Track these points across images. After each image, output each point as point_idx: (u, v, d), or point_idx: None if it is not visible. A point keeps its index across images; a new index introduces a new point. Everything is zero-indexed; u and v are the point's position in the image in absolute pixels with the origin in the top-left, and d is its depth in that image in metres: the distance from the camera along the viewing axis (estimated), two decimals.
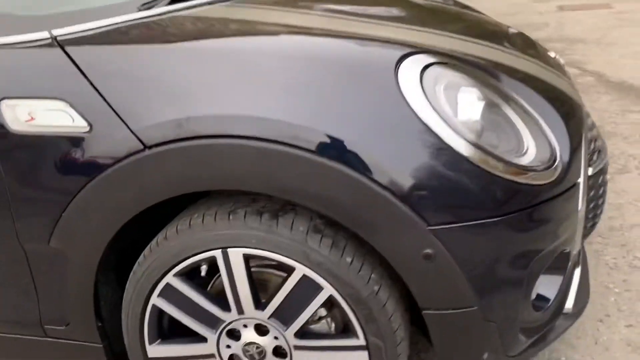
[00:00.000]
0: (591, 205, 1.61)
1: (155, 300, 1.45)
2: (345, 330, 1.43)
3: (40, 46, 1.38)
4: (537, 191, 1.32)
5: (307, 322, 1.40)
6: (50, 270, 1.49)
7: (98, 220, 1.39)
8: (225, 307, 1.42)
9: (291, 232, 1.32)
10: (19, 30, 1.42)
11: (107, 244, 1.41)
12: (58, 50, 1.36)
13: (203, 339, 1.47)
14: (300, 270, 1.33)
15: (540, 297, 1.51)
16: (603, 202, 1.70)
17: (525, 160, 1.33)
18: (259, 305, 1.40)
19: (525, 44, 1.87)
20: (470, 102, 1.34)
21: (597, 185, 1.63)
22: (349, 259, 1.32)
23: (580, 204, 1.48)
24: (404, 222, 1.25)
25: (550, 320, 1.52)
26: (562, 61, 1.91)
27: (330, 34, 1.50)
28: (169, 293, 1.43)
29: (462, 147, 1.25)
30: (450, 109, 1.29)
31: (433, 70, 1.34)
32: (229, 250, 1.35)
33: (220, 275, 1.47)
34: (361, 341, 1.37)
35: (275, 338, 1.43)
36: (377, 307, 1.34)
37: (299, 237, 1.32)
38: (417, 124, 1.25)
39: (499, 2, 7.54)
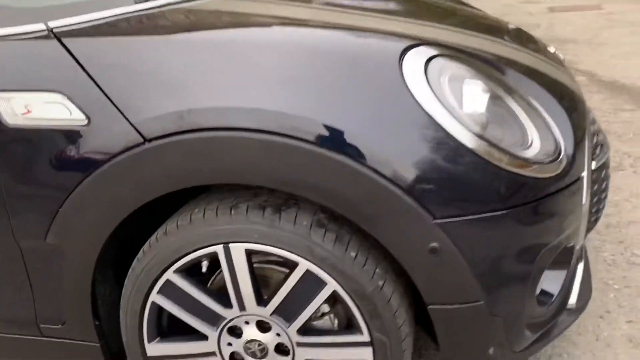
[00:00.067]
0: (594, 200, 1.60)
1: (154, 297, 1.42)
2: (348, 326, 1.41)
3: (36, 38, 1.35)
4: (542, 184, 1.31)
5: (310, 319, 1.38)
6: (47, 268, 1.46)
7: (96, 215, 1.36)
8: (227, 304, 1.39)
9: (294, 226, 1.30)
10: (14, 22, 1.38)
11: (106, 240, 1.38)
12: (55, 42, 1.33)
13: (203, 337, 1.44)
14: (304, 265, 1.31)
15: (543, 293, 1.49)
16: (605, 197, 1.69)
17: (530, 153, 1.32)
18: (261, 301, 1.38)
19: (525, 39, 1.86)
20: (475, 94, 1.32)
21: (600, 179, 1.62)
22: (353, 254, 1.30)
23: (585, 198, 1.47)
24: (410, 215, 1.23)
25: (555, 315, 1.51)
26: (561, 56, 1.90)
27: (332, 26, 1.48)
28: (169, 290, 1.40)
29: (468, 140, 1.24)
30: (455, 101, 1.28)
31: (437, 62, 1.32)
32: (230, 245, 1.33)
33: (220, 272, 1.44)
34: (365, 337, 1.35)
35: (278, 335, 1.40)
36: (381, 303, 1.32)
37: (303, 232, 1.29)
38: (422, 116, 1.23)
39: (489, 3, 7.57)
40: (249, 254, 1.33)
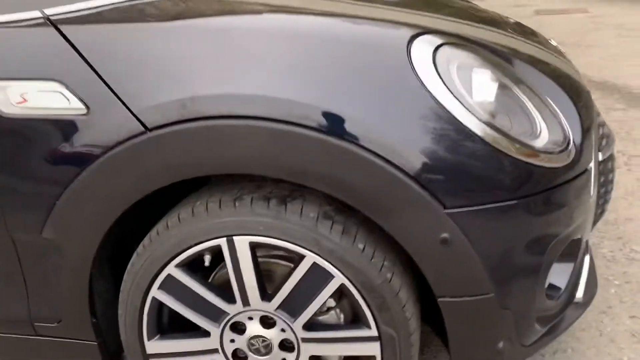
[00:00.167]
0: (601, 192, 1.58)
1: (155, 292, 1.37)
2: (354, 321, 1.38)
3: (32, 25, 1.31)
4: (553, 174, 1.29)
5: (315, 314, 1.34)
6: (42, 263, 1.41)
7: (95, 208, 1.31)
8: (230, 299, 1.35)
9: (301, 218, 1.26)
10: (9, 9, 1.34)
11: (104, 234, 1.34)
12: (51, 30, 1.29)
13: (206, 333, 1.40)
14: (310, 258, 1.27)
15: (551, 286, 1.47)
16: (612, 189, 1.68)
17: (539, 143, 1.29)
18: (265, 296, 1.34)
19: (527, 31, 1.85)
20: (484, 83, 1.30)
21: (606, 171, 1.60)
22: (361, 246, 1.27)
23: (592, 190, 1.45)
24: (420, 205, 1.20)
25: (563, 309, 1.49)
26: (562, 49, 1.88)
27: (336, 14, 1.45)
28: (170, 285, 1.36)
29: (478, 128, 1.21)
30: (465, 90, 1.25)
31: (445, 51, 1.30)
32: (234, 238, 1.29)
33: (221, 267, 1.41)
34: (373, 332, 1.31)
35: (282, 331, 1.36)
36: (390, 295, 1.28)
37: (309, 224, 1.26)
38: (432, 104, 1.21)
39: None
40: (254, 247, 1.30)
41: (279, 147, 1.20)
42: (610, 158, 1.62)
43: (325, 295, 1.30)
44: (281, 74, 1.22)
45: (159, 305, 1.40)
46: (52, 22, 1.30)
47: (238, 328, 1.39)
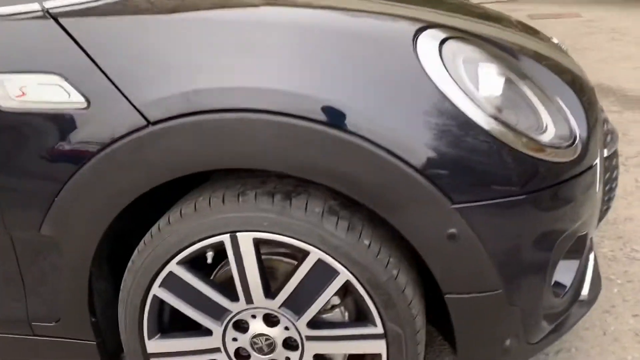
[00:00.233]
0: (606, 188, 1.57)
1: (156, 290, 1.35)
2: (360, 318, 1.36)
3: (31, 18, 1.28)
4: (560, 169, 1.27)
5: (320, 311, 1.32)
6: (40, 261, 1.38)
7: (95, 204, 1.29)
8: (233, 297, 1.33)
9: (305, 213, 1.24)
10: (8, 2, 1.31)
11: (104, 231, 1.31)
12: (51, 23, 1.26)
13: (207, 332, 1.37)
14: (315, 254, 1.25)
15: (556, 284, 1.45)
16: (616, 186, 1.67)
17: (546, 138, 1.28)
18: (269, 293, 1.31)
19: (530, 29, 1.84)
20: (490, 77, 1.29)
21: (611, 168, 1.59)
22: (366, 242, 1.25)
23: (598, 186, 1.43)
24: (427, 200, 1.18)
25: (569, 306, 1.47)
26: (565, 47, 1.88)
27: (339, 8, 1.43)
28: (172, 283, 1.33)
29: (486, 122, 1.20)
30: (472, 84, 1.24)
31: (451, 44, 1.28)
32: (238, 234, 1.26)
33: (224, 264, 1.39)
34: (379, 329, 1.29)
35: (286, 329, 1.34)
36: (396, 292, 1.26)
37: (314, 219, 1.24)
38: (440, 98, 1.19)
39: None
40: (257, 243, 1.27)
41: (285, 141, 1.18)
42: (615, 154, 1.61)
43: (330, 293, 1.28)
44: (287, 67, 1.20)
45: (160, 304, 1.37)
46: (51, 15, 1.27)
47: (241, 326, 1.37)
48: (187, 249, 1.30)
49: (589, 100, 1.50)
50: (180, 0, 1.39)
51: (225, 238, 1.27)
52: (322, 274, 1.26)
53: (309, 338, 1.33)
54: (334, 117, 1.16)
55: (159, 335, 1.40)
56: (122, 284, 1.38)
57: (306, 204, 1.25)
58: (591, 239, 1.58)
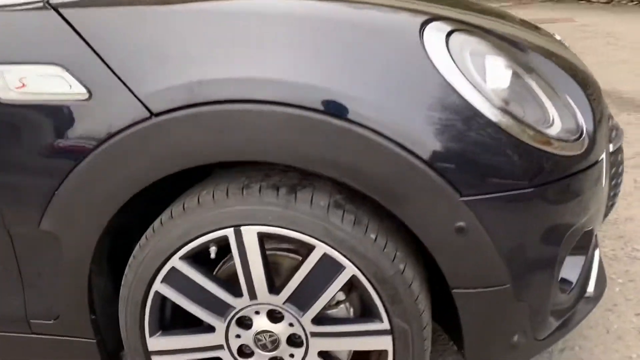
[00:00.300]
0: (612, 183, 1.56)
1: (158, 286, 1.32)
2: (365, 314, 1.34)
3: (31, 9, 1.26)
4: (568, 162, 1.26)
5: (324, 307, 1.30)
6: (39, 257, 1.36)
7: (96, 198, 1.26)
8: (236, 293, 1.30)
9: (311, 207, 1.22)
10: None
11: (105, 226, 1.29)
12: (52, 13, 1.24)
13: (210, 329, 1.35)
14: (321, 248, 1.23)
15: (562, 280, 1.44)
16: (621, 182, 1.66)
17: (553, 131, 1.27)
18: (273, 289, 1.29)
19: (532, 25, 1.83)
20: (497, 70, 1.27)
21: (617, 163, 1.58)
22: (373, 236, 1.23)
23: (604, 181, 1.42)
24: (436, 192, 1.17)
25: (575, 302, 1.46)
26: (567, 44, 1.87)
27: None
28: (174, 278, 1.31)
29: (494, 115, 1.18)
30: (479, 76, 1.22)
31: (458, 37, 1.27)
32: (242, 228, 1.24)
33: (227, 260, 1.37)
34: (385, 325, 1.27)
35: (290, 325, 1.32)
36: (403, 287, 1.24)
37: (320, 213, 1.22)
38: (447, 90, 1.17)
39: None
40: (262, 237, 1.25)
41: (291, 132, 1.16)
42: (620, 150, 1.60)
43: (335, 288, 1.26)
44: (293, 58, 1.18)
45: (161, 300, 1.35)
46: (52, 6, 1.25)
47: (244, 323, 1.34)
48: (190, 244, 1.27)
49: (594, 95, 1.49)
50: None
51: (229, 232, 1.25)
52: (327, 269, 1.24)
53: (313, 334, 1.31)
54: (341, 109, 1.15)
55: (160, 332, 1.38)
56: (123, 280, 1.35)
57: (311, 197, 1.23)
58: (596, 235, 1.57)
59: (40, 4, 1.26)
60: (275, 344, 1.34)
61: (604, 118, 1.47)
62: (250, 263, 1.27)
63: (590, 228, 1.41)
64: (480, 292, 1.24)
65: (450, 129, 1.17)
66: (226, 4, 1.29)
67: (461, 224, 1.18)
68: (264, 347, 1.34)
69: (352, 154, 1.16)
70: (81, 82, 1.21)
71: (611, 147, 1.52)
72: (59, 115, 1.23)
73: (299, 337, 1.33)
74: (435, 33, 1.24)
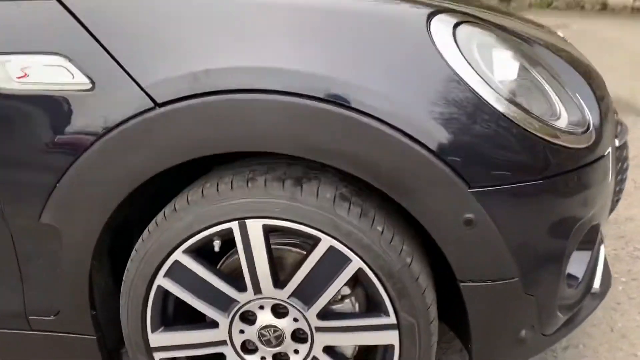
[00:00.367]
0: (618, 178, 1.55)
1: (160, 280, 1.30)
2: (370, 309, 1.32)
3: None
4: (576, 155, 1.25)
5: (329, 302, 1.28)
6: (40, 251, 1.33)
7: (99, 190, 1.25)
8: (240, 287, 1.28)
9: (317, 199, 1.21)
10: None
11: (108, 219, 1.27)
12: (53, 2, 1.22)
13: (213, 324, 1.33)
14: (327, 241, 1.21)
15: (568, 275, 1.42)
16: (626, 178, 1.65)
17: (561, 124, 1.26)
18: (278, 283, 1.27)
19: (535, 22, 1.82)
20: (505, 62, 1.26)
21: (622, 158, 1.57)
22: (379, 228, 1.21)
23: (611, 175, 1.41)
24: (444, 183, 1.16)
25: (581, 298, 1.44)
26: (569, 41, 1.86)
27: None
28: (177, 272, 1.29)
29: (502, 106, 1.17)
30: (487, 68, 1.21)
31: (465, 29, 1.26)
32: (247, 221, 1.22)
33: (230, 254, 1.35)
34: (392, 319, 1.25)
35: (295, 320, 1.30)
36: (410, 281, 1.23)
37: (326, 205, 1.20)
38: (456, 81, 1.16)
39: None
40: (267, 231, 1.23)
41: (298, 123, 1.15)
42: (625, 145, 1.59)
43: (341, 281, 1.24)
44: (300, 47, 1.17)
45: (164, 295, 1.32)
46: None
47: (248, 318, 1.32)
48: (193, 237, 1.25)
49: (600, 89, 1.49)
50: None
51: (234, 225, 1.23)
52: (333, 262, 1.23)
53: (318, 329, 1.29)
54: (349, 99, 1.13)
55: (162, 328, 1.36)
56: (124, 275, 1.33)
57: (317, 189, 1.22)
58: (601, 231, 1.56)
59: None
60: (280, 339, 1.31)
61: (610, 112, 1.47)
62: (255, 256, 1.25)
63: (597, 222, 1.40)
64: (488, 286, 1.23)
65: (459, 120, 1.15)
66: None
67: (469, 216, 1.17)
68: (268, 343, 1.32)
69: (359, 145, 1.14)
70: (84, 72, 1.19)
71: (617, 142, 1.51)
72: (61, 106, 1.21)
73: (304, 332, 1.31)
74: (442, 25, 1.23)
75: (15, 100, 1.23)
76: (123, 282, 1.34)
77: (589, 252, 1.46)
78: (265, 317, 1.31)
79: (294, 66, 1.14)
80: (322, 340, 1.30)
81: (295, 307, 1.28)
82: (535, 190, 1.20)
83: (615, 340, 1.76)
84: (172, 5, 1.22)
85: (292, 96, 1.13)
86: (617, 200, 1.63)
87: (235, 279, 1.30)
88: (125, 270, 1.33)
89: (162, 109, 1.17)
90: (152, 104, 1.17)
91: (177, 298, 1.32)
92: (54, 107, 1.22)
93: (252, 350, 1.35)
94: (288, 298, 1.27)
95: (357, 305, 1.33)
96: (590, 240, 1.43)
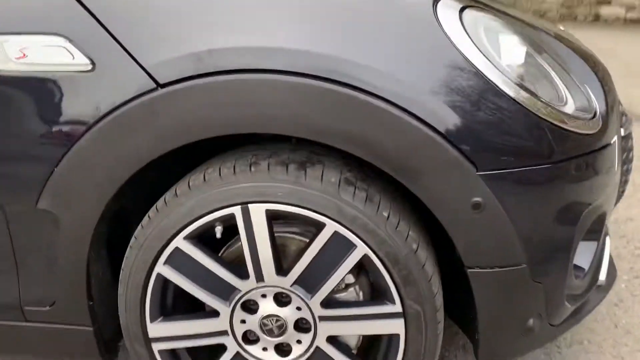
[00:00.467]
0: (623, 168, 1.54)
1: (160, 268, 1.27)
2: (375, 298, 1.29)
3: None
4: (584, 141, 1.24)
5: (333, 291, 1.25)
6: (36, 238, 1.30)
7: (98, 174, 1.22)
8: (243, 274, 1.25)
9: (322, 183, 1.18)
10: None
11: (106, 204, 1.24)
12: None
13: (214, 314, 1.29)
14: (331, 226, 1.18)
15: (575, 266, 1.40)
16: (631, 169, 1.63)
17: (568, 109, 1.24)
18: (281, 270, 1.24)
19: (535, 15, 1.81)
20: (512, 47, 1.25)
21: (627, 148, 1.56)
22: (385, 214, 1.19)
23: (617, 164, 1.40)
24: (452, 166, 1.13)
25: (588, 289, 1.42)
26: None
27: None
28: (177, 259, 1.26)
29: (511, 89, 1.16)
30: (494, 51, 1.20)
31: (471, 13, 1.24)
32: (250, 206, 1.20)
33: (232, 243, 1.32)
34: (397, 307, 1.23)
35: (298, 309, 1.27)
36: (416, 268, 1.20)
37: (331, 189, 1.18)
38: (465, 65, 1.14)
39: None
40: (270, 216, 1.21)
41: (304, 103, 1.12)
42: (630, 135, 1.58)
43: (346, 268, 1.21)
44: (307, 26, 1.15)
45: (163, 283, 1.29)
46: None
47: (249, 308, 1.29)
48: (195, 223, 1.23)
49: (605, 78, 1.47)
50: None
51: (236, 210, 1.20)
52: (338, 248, 1.20)
53: (322, 318, 1.26)
54: (356, 80, 1.11)
55: (161, 318, 1.32)
56: (123, 262, 1.30)
57: (322, 173, 1.19)
58: (606, 224, 1.54)
59: None
60: (282, 329, 1.28)
61: (616, 102, 1.45)
62: (257, 242, 1.22)
63: (604, 211, 1.38)
64: (495, 272, 1.20)
65: (467, 103, 1.13)
66: None
67: (478, 199, 1.15)
68: (270, 333, 1.29)
69: (367, 127, 1.12)
70: (84, 53, 1.17)
71: (622, 132, 1.50)
72: (61, 87, 1.19)
73: (307, 322, 1.28)
74: (448, 9, 1.22)
75: (13, 81, 1.20)
76: (122, 270, 1.30)
77: (595, 242, 1.44)
78: (267, 306, 1.28)
79: (300, 46, 1.12)
80: (326, 329, 1.27)
81: (299, 296, 1.25)
82: (544, 175, 1.18)
83: (620, 336, 1.74)
84: None
85: (298, 76, 1.11)
86: (623, 192, 1.62)
87: (237, 267, 1.27)
88: (124, 258, 1.30)
89: (165, 90, 1.15)
90: (154, 85, 1.15)
91: (176, 287, 1.29)
92: (53, 88, 1.19)
93: (254, 341, 1.32)
94: (291, 286, 1.24)
95: (361, 294, 1.31)
96: (597, 230, 1.41)
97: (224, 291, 1.27)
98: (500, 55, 1.20)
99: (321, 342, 1.28)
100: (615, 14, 8.84)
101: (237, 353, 1.33)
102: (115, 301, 1.35)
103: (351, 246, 1.19)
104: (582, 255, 1.41)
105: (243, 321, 1.29)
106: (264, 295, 1.27)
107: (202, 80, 1.13)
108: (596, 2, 9.01)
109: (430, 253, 1.25)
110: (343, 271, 1.22)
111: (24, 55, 1.19)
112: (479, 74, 1.14)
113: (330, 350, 1.29)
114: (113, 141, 1.19)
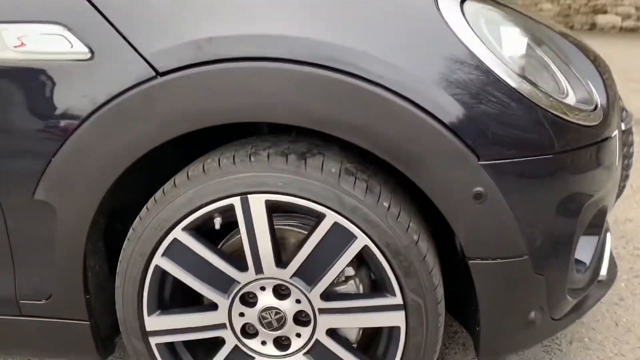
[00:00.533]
0: (624, 163, 1.53)
1: (158, 260, 1.25)
2: (377, 289, 1.28)
3: None
4: (586, 132, 1.23)
5: (333, 283, 1.24)
6: (32, 231, 1.28)
7: (97, 164, 1.20)
8: (242, 267, 1.24)
9: (322, 173, 1.17)
10: None
11: (104, 195, 1.23)
12: None
13: (212, 307, 1.28)
14: (331, 217, 1.17)
15: (576, 261, 1.39)
16: (632, 163, 1.63)
17: (570, 101, 1.24)
18: (280, 262, 1.23)
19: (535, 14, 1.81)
20: (513, 38, 1.25)
21: (628, 143, 1.55)
22: (385, 204, 1.18)
23: (618, 158, 1.39)
24: (454, 156, 1.13)
25: (589, 283, 1.41)
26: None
27: None
28: (176, 251, 1.24)
29: (513, 80, 1.15)
30: (496, 43, 1.19)
31: (472, 4, 1.24)
32: (249, 196, 1.18)
33: (231, 236, 1.31)
34: (398, 299, 1.21)
35: (298, 302, 1.25)
36: (417, 259, 1.19)
37: (331, 180, 1.17)
38: (467, 55, 1.14)
39: None
40: (269, 207, 1.19)
41: (305, 92, 1.12)
42: (630, 130, 1.57)
43: (346, 259, 1.20)
44: (308, 14, 1.14)
45: (161, 276, 1.28)
46: None
47: (248, 300, 1.28)
48: (194, 213, 1.21)
49: (606, 72, 1.47)
50: None
51: (236, 201, 1.19)
52: (338, 239, 1.19)
53: (322, 311, 1.25)
54: (358, 68, 1.10)
55: (159, 311, 1.31)
56: (121, 254, 1.28)
57: (322, 164, 1.18)
58: (607, 220, 1.54)
59: None
60: (281, 322, 1.27)
61: (617, 96, 1.45)
62: (256, 234, 1.21)
63: (605, 205, 1.37)
64: (497, 263, 1.19)
65: (469, 93, 1.13)
66: None
67: (479, 189, 1.14)
68: (269, 326, 1.28)
69: (368, 115, 1.11)
70: (83, 41, 1.16)
71: (623, 126, 1.49)
72: (59, 76, 1.18)
73: (306, 315, 1.26)
74: (450, 0, 1.21)
75: (10, 70, 1.19)
76: (119, 263, 1.29)
77: (597, 237, 1.43)
78: (266, 299, 1.26)
79: (301, 34, 1.11)
80: (326, 322, 1.26)
81: (298, 288, 1.23)
82: (546, 166, 1.17)
83: (621, 334, 1.73)
84: None
85: (298, 64, 1.10)
86: (623, 187, 1.61)
87: (236, 259, 1.26)
88: (122, 250, 1.28)
89: (164, 78, 1.14)
90: (153, 73, 1.14)
91: (174, 279, 1.28)
92: (52, 77, 1.18)
93: (253, 334, 1.31)
94: (290, 278, 1.23)
95: (361, 287, 1.29)
96: (598, 224, 1.40)
97: (223, 284, 1.26)
98: (502, 47, 1.20)
99: (321, 336, 1.27)
100: (611, 23, 8.90)
101: (236, 347, 1.31)
102: (112, 294, 1.34)
103: (351, 237, 1.18)
104: (584, 250, 1.41)
105: (242, 314, 1.28)
106: (263, 288, 1.26)
107: (201, 68, 1.13)
108: (592, 10, 9.06)
109: (431, 245, 1.24)
110: (343, 262, 1.20)
111: (23, 43, 1.18)
112: (481, 64, 1.14)
113: (330, 343, 1.27)
114: (112, 130, 1.18)
